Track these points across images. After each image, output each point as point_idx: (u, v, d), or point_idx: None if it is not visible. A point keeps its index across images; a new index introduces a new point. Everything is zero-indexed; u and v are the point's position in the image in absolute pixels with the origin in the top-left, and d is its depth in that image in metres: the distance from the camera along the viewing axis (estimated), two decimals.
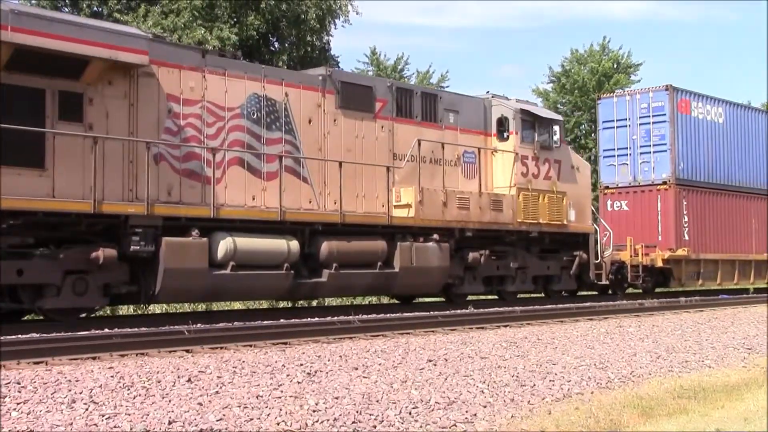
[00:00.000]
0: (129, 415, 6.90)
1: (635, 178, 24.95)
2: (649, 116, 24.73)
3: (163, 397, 7.55)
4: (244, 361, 9.59)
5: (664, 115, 24.44)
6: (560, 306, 18.19)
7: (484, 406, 7.93)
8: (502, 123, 19.23)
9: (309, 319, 13.97)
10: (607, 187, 25.56)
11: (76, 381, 8.11)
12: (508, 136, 19.16)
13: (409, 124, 17.51)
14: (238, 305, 19.77)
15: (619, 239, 22.88)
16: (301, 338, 11.82)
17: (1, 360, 8.99)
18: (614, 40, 58.97)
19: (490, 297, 20.34)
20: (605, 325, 15.18)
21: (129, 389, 7.81)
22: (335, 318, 14.05)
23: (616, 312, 17.85)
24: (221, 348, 10.80)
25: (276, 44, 31.06)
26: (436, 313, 15.34)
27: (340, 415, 7.21)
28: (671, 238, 23.98)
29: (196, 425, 6.69)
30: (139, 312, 18.57)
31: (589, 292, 23.04)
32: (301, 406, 7.40)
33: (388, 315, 14.97)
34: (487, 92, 19.76)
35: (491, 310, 16.89)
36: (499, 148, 19.05)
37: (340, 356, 10.27)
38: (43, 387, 7.78)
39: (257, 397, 7.67)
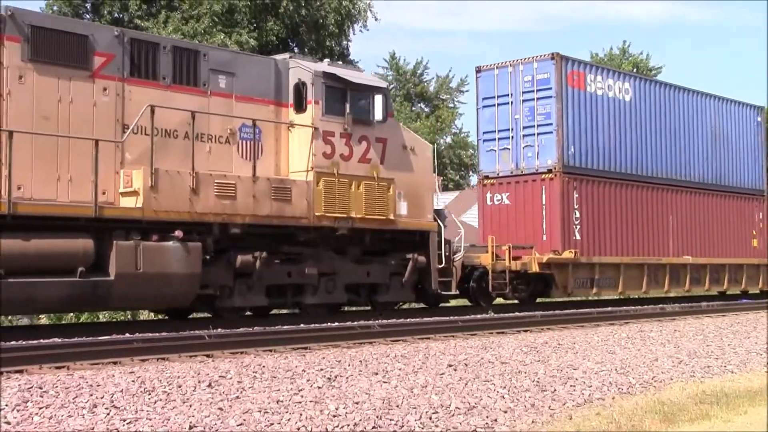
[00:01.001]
0: (150, 419, 6.92)
1: (518, 165, 20.59)
2: (534, 91, 20.40)
3: (183, 402, 7.58)
4: (264, 366, 9.61)
5: (550, 89, 20.12)
6: (581, 311, 18.11)
7: (505, 412, 7.90)
8: (300, 90, 15.11)
9: (329, 324, 13.98)
10: (486, 177, 21.13)
11: (98, 386, 8.14)
12: (306, 106, 15.03)
13: (151, 87, 13.45)
14: None
15: (493, 239, 18.83)
16: (321, 343, 11.83)
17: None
18: (633, 42, 58.69)
19: (511, 302, 20.12)
20: (626, 330, 15.09)
21: (150, 394, 7.84)
22: (355, 323, 14.04)
23: (637, 317, 17.76)
24: (241, 353, 10.81)
25: (295, 49, 31.21)
26: (456, 318, 15.30)
27: (361, 420, 7.21)
28: (556, 238, 19.74)
29: (216, 430, 6.70)
30: (160, 317, 18.66)
31: (463, 303, 19.39)
32: (322, 411, 7.40)
33: (408, 320, 14.95)
34: (288, 53, 15.95)
35: (511, 315, 16.81)
36: (296, 122, 15.01)
37: (360, 361, 10.27)
38: (64, 391, 7.82)
39: (277, 402, 7.68)
